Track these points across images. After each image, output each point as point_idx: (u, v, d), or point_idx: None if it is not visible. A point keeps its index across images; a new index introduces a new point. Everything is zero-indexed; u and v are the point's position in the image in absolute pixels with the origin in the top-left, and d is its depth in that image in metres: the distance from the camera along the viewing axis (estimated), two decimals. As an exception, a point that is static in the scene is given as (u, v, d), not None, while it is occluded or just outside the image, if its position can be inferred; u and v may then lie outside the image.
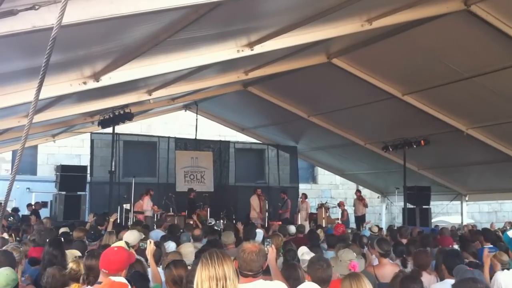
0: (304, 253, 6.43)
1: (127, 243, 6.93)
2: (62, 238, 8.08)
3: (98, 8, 5.21)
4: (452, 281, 5.65)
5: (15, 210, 18.41)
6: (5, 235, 8.75)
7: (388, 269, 6.46)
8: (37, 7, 4.72)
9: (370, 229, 13.82)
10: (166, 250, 7.85)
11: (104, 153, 19.69)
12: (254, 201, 19.66)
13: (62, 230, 10.74)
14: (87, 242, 8.50)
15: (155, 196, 17.77)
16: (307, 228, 15.16)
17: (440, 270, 6.38)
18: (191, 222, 15.37)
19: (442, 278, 6.24)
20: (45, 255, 6.55)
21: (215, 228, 13.64)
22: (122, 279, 4.26)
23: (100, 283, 4.39)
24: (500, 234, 12.18)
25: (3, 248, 6.49)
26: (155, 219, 15.87)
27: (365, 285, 4.47)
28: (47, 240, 7.37)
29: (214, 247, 6.36)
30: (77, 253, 6.40)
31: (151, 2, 5.48)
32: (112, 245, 4.85)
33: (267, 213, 19.37)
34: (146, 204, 17.08)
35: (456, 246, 9.84)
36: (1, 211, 4.24)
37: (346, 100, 15.89)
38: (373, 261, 7.69)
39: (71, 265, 5.35)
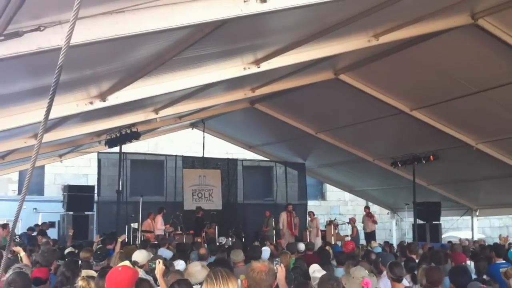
0: (316, 271, 6.36)
1: (136, 262, 6.89)
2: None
3: (103, 29, 5.20)
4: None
5: (31, 229, 18.33)
6: (20, 249, 8.66)
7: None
8: (42, 28, 4.72)
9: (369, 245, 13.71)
10: (175, 268, 7.77)
11: (111, 172, 19.67)
12: (282, 217, 19.56)
13: (67, 250, 10.70)
14: (94, 263, 8.44)
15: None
16: (318, 245, 15.07)
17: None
18: (199, 240, 15.31)
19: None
20: (58, 276, 6.54)
21: (225, 246, 13.56)
22: None
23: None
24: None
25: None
26: (167, 237, 15.80)
27: None
28: (66, 261, 7.38)
29: (222, 265, 6.30)
30: (93, 273, 6.34)
31: (156, 22, 5.46)
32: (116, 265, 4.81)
33: (274, 231, 19.29)
34: (160, 223, 17.04)
35: (469, 262, 9.72)
36: (10, 232, 4.20)
37: (354, 116, 15.84)
38: (383, 279, 7.57)
39: (80, 283, 5.31)
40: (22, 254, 8.03)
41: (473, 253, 11.39)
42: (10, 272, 5.73)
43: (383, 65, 12.15)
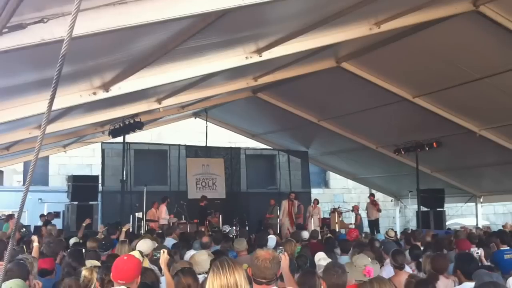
0: (321, 259, 6.40)
1: (141, 252, 6.94)
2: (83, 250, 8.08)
3: (106, 20, 5.22)
4: (471, 284, 5.59)
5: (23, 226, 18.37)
6: (36, 239, 8.70)
7: (405, 277, 6.38)
8: (45, 20, 4.74)
9: (386, 233, 13.70)
10: (185, 258, 7.83)
11: (115, 162, 19.73)
12: (283, 205, 19.62)
13: (73, 240, 10.74)
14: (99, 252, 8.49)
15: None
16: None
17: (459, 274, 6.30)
18: (203, 229, 15.36)
19: (461, 283, 6.14)
20: (64, 266, 6.57)
21: (230, 235, 13.60)
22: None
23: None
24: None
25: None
26: (170, 226, 15.86)
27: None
28: (70, 250, 7.40)
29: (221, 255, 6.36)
30: (96, 263, 6.39)
31: (158, 12, 5.48)
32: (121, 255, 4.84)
33: (278, 219, 19.31)
34: (165, 213, 17.11)
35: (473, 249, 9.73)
36: (15, 224, 4.25)
37: (356, 104, 15.83)
38: (386, 267, 7.61)
39: (84, 273, 5.35)
40: (36, 244, 8.09)
41: (480, 240, 11.36)
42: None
43: (385, 53, 12.14)
